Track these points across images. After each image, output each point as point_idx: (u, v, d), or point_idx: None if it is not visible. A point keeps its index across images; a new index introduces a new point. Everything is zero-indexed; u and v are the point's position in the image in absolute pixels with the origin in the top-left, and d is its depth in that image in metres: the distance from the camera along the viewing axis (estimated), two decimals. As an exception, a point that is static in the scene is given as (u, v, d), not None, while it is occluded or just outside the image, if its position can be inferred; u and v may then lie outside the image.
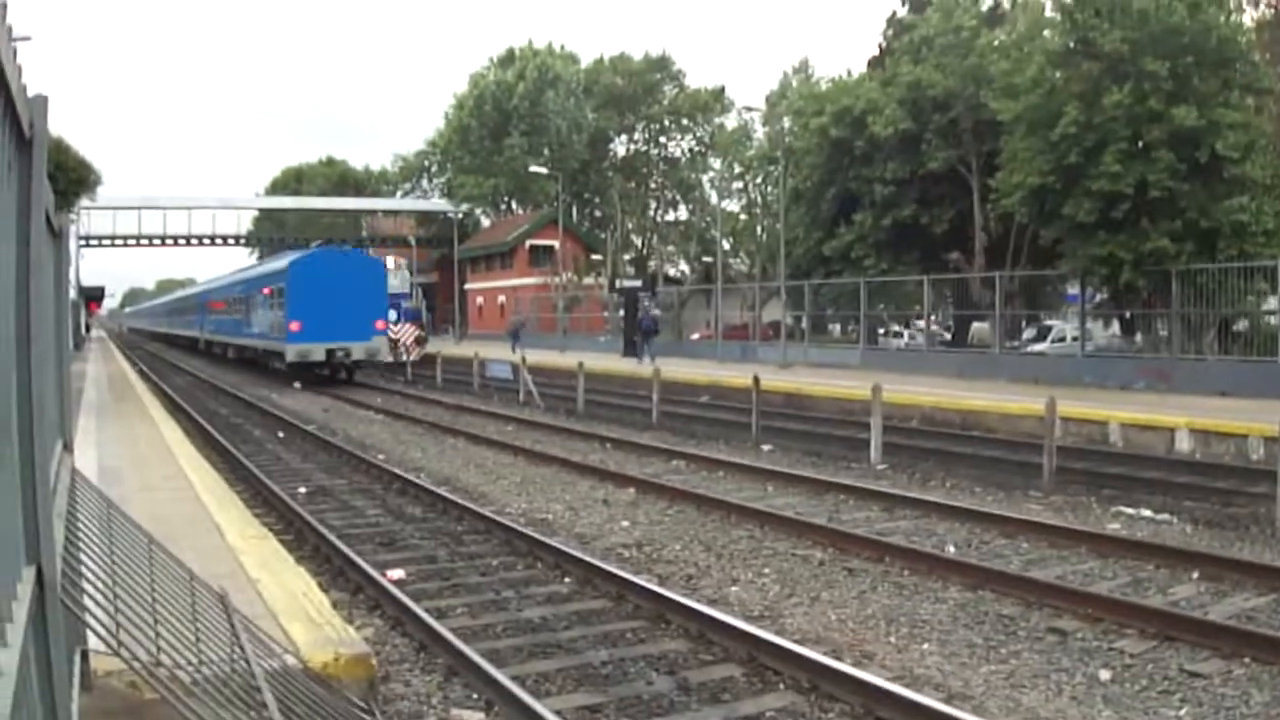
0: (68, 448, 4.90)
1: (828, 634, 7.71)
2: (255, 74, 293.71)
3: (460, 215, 71.26)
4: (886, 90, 34.79)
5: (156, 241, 71.39)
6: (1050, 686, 6.59)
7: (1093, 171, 23.08)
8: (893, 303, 38.70)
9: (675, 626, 7.74)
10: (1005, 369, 26.48)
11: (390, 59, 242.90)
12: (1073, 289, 30.20)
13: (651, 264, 66.67)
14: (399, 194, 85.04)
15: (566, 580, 9.20)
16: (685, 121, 75.96)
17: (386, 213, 79.73)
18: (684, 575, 9.49)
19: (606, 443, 18.76)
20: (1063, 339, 32.10)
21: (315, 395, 30.49)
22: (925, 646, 7.43)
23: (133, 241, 70.32)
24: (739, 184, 60.51)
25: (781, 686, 6.54)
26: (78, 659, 3.93)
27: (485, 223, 77.71)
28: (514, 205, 75.32)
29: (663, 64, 75.59)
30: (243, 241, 79.65)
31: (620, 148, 78.28)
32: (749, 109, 51.30)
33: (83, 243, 60.68)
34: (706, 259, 59.25)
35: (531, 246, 63.86)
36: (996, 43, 32.31)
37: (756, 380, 19.60)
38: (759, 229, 56.93)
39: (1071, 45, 24.53)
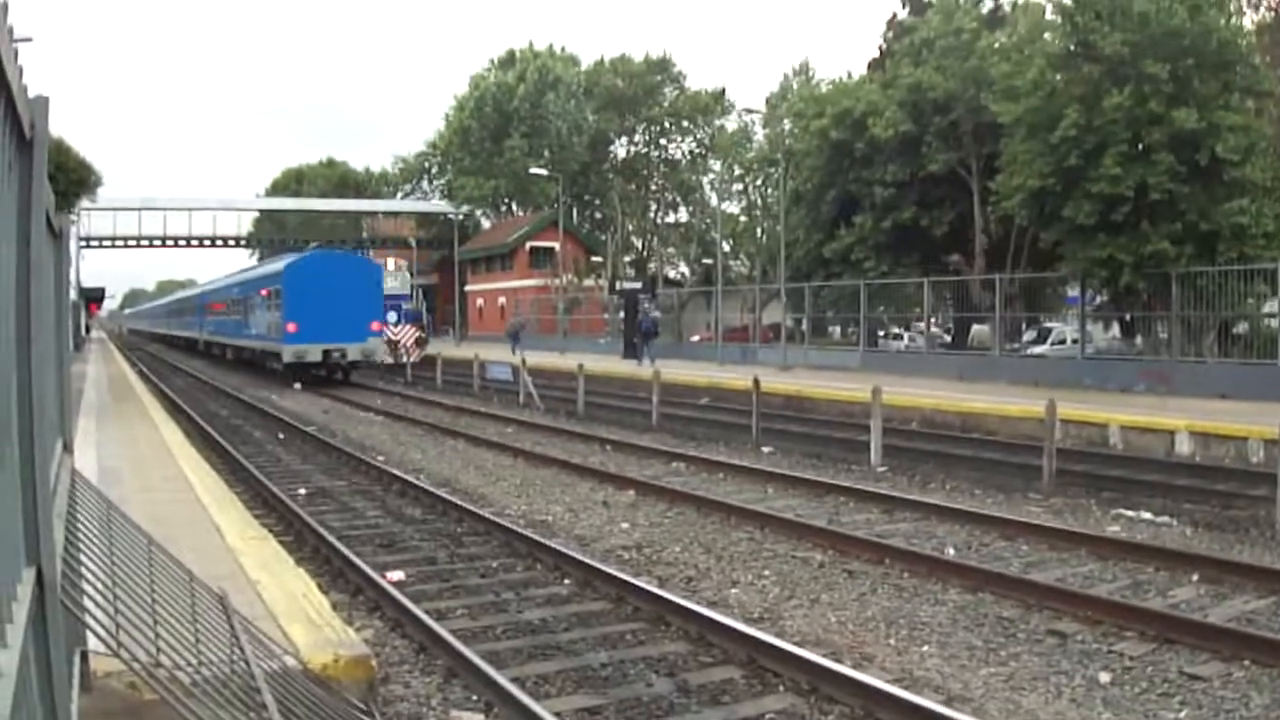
0: (68, 449, 4.90)
1: (827, 636, 7.71)
2: (255, 75, 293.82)
3: (460, 217, 71.26)
4: (887, 92, 34.82)
5: (157, 242, 71.37)
6: (1050, 689, 6.59)
7: (1093, 174, 23.09)
8: (893, 305, 38.67)
9: (675, 628, 7.74)
10: (1005, 371, 26.47)
11: (391, 60, 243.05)
12: (1073, 291, 30.21)
13: (652, 266, 66.68)
14: (399, 195, 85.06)
15: (566, 582, 9.19)
16: (686, 123, 75.96)
17: (387, 214, 79.72)
18: (684, 577, 9.49)
19: (606, 445, 18.76)
20: (1063, 341, 32.08)
21: (315, 397, 30.49)
22: (925, 649, 7.43)
23: (133, 242, 70.29)
24: (739, 186, 60.54)
25: (781, 688, 6.54)
26: (77, 660, 3.93)
27: (485, 224, 77.71)
28: (514, 207, 75.31)
29: (663, 66, 75.60)
30: (243, 243, 79.66)
31: (620, 149, 78.30)
32: (749, 111, 51.36)
33: (83, 244, 60.68)
34: (707, 261, 59.23)
35: (532, 248, 63.84)
36: (997, 45, 32.34)
37: (756, 382, 19.61)
38: (759, 231, 56.95)
39: (1072, 48, 24.55)
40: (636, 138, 77.38)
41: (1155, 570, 9.39)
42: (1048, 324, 34.59)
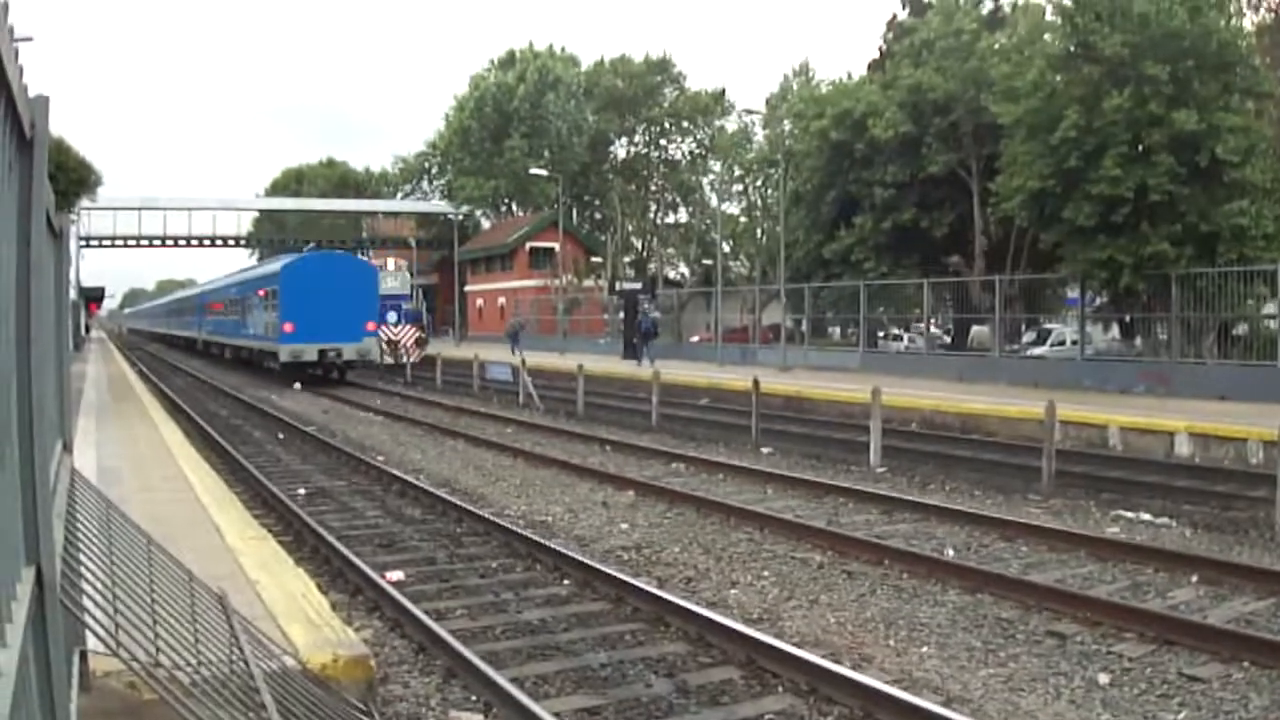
0: (67, 448, 4.90)
1: (826, 637, 7.71)
2: (256, 75, 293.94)
3: (460, 217, 71.26)
4: (887, 93, 34.84)
5: (157, 242, 71.39)
6: (1049, 690, 6.59)
7: (1093, 175, 23.11)
8: (892, 306, 38.68)
9: (674, 629, 7.74)
10: (1005, 372, 26.48)
11: (391, 60, 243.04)
12: (1072, 292, 30.22)
13: (651, 266, 66.70)
14: (399, 195, 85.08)
15: (566, 582, 9.19)
16: (685, 124, 76.00)
17: (387, 214, 79.73)
18: (683, 578, 9.49)
19: (606, 445, 18.76)
20: (1062, 342, 32.08)
21: (315, 397, 30.49)
22: (924, 649, 7.43)
23: (133, 242, 70.31)
24: (739, 187, 60.57)
25: (780, 689, 6.54)
26: (76, 659, 3.93)
27: (485, 225, 77.72)
28: (514, 207, 75.33)
29: (663, 66, 75.62)
30: (243, 243, 79.67)
31: (620, 150, 78.34)
32: (749, 111, 51.39)
33: (83, 243, 60.70)
34: (706, 261, 59.23)
35: (532, 248, 63.85)
36: (997, 46, 32.36)
37: (756, 383, 19.61)
38: (759, 232, 56.97)
39: (1072, 49, 24.56)
40: (636, 138, 77.43)
41: (1154, 571, 9.40)
42: (1047, 325, 34.60)
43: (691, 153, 76.41)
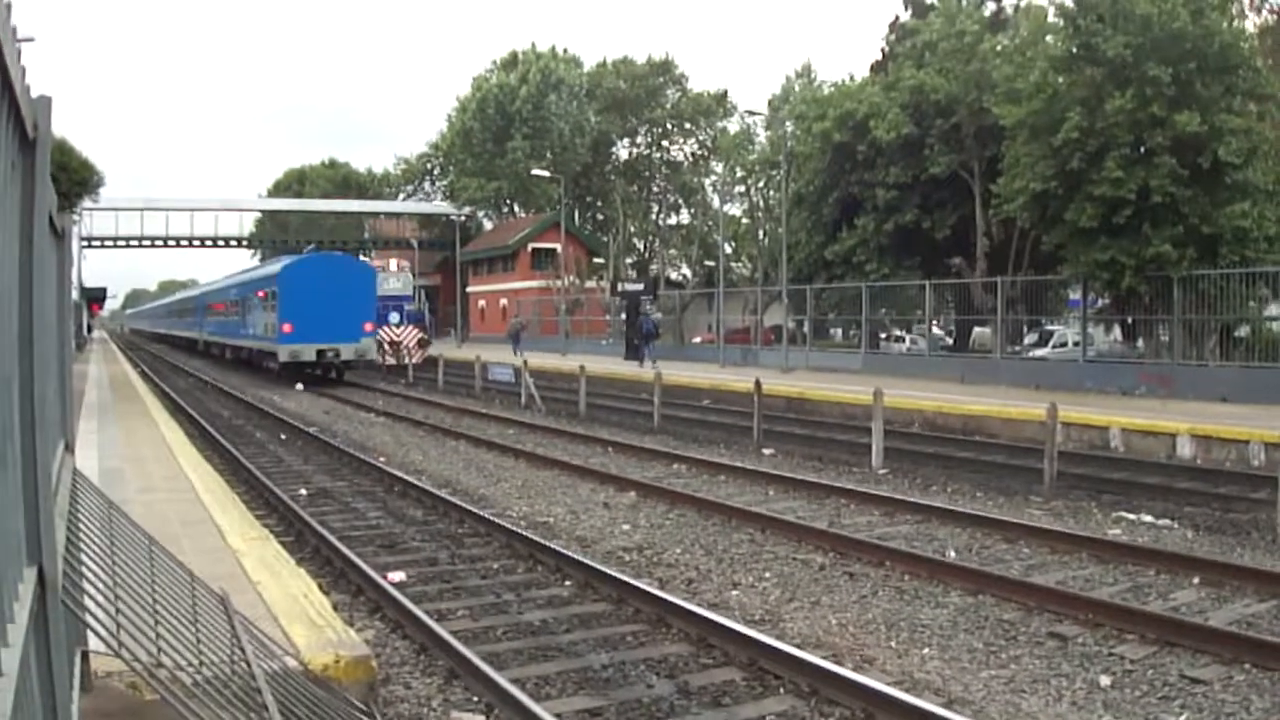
0: (69, 448, 4.91)
1: (828, 638, 7.70)
2: (258, 76, 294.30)
3: (462, 218, 71.31)
4: (889, 95, 34.82)
5: (159, 243, 71.56)
6: (1050, 692, 6.58)
7: (1095, 177, 23.11)
8: (894, 307, 38.67)
9: (676, 630, 7.74)
10: (1007, 374, 26.48)
11: (393, 62, 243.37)
12: (1074, 294, 30.18)
13: (653, 267, 66.70)
14: (401, 196, 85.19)
15: (567, 583, 9.19)
16: (688, 125, 76.14)
17: (389, 215, 79.92)
18: (685, 579, 9.49)
19: (608, 446, 18.75)
20: (1064, 344, 32.08)
21: (317, 397, 30.50)
22: (926, 651, 7.43)
23: (135, 243, 70.46)
24: (741, 188, 60.53)
25: (782, 691, 6.54)
26: (78, 660, 3.93)
27: (487, 226, 77.80)
28: (516, 208, 75.41)
29: (665, 68, 75.70)
30: (245, 243, 79.77)
31: (623, 151, 78.48)
32: (751, 113, 51.14)
33: (85, 244, 60.76)
34: (708, 263, 59.22)
35: (534, 250, 63.88)
36: (999, 48, 32.30)
37: (758, 384, 19.61)
38: (761, 233, 56.92)
39: (1074, 51, 24.54)
40: (639, 139, 77.55)
41: (1156, 573, 9.39)
42: (1049, 327, 34.57)
43: (693, 154, 76.53)
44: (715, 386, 27.14)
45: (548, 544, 10.24)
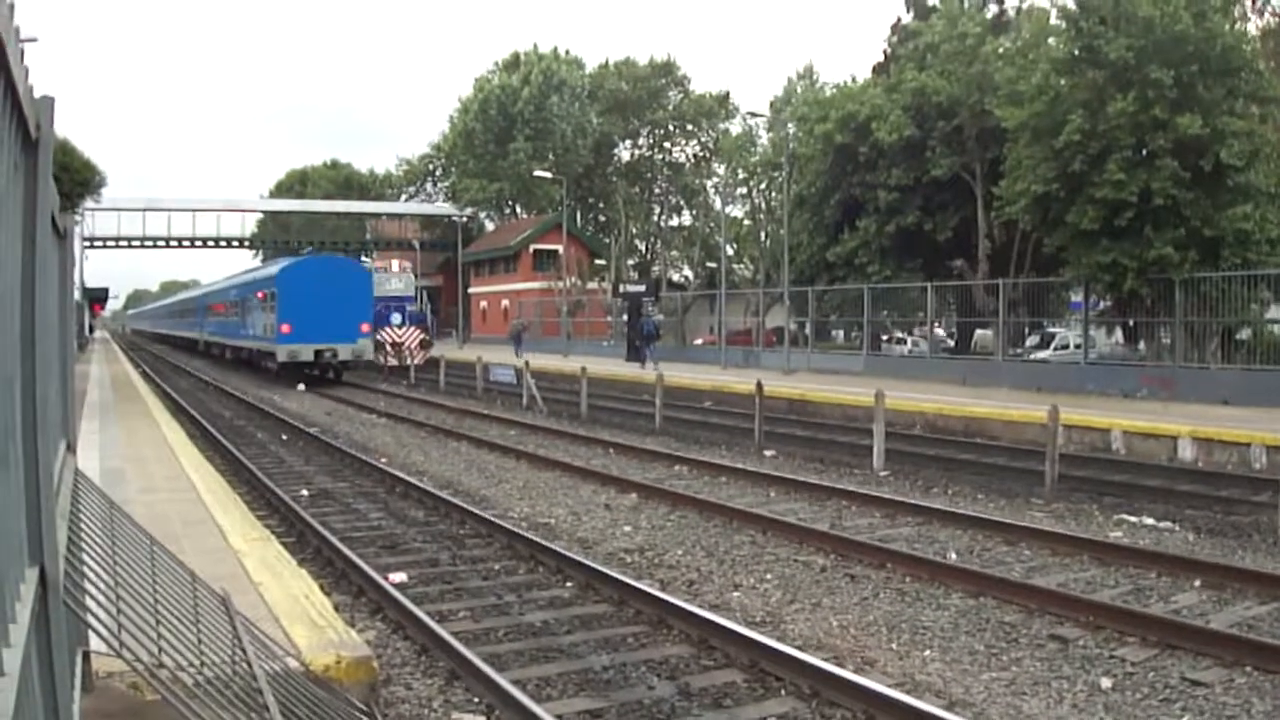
0: (71, 449, 4.91)
1: (829, 640, 7.70)
2: (260, 76, 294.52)
3: (464, 219, 71.33)
4: (891, 96, 34.81)
5: (160, 243, 71.59)
6: (1051, 694, 6.58)
7: (1097, 179, 23.10)
8: (896, 309, 38.69)
9: (677, 632, 7.74)
10: (1008, 376, 26.47)
11: (395, 63, 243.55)
12: (1076, 296, 30.17)
13: (655, 269, 66.72)
14: (403, 197, 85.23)
15: (568, 585, 9.19)
16: (690, 127, 76.15)
17: (391, 216, 79.89)
18: (686, 580, 9.49)
19: (609, 447, 18.75)
20: (1066, 346, 32.06)
21: (318, 398, 30.51)
22: (927, 653, 7.42)
23: (137, 243, 70.48)
24: (743, 189, 60.55)
25: (783, 692, 6.53)
26: (79, 660, 3.93)
27: (489, 227, 77.81)
28: (518, 209, 75.45)
29: (668, 69, 75.72)
30: (247, 244, 79.80)
31: (625, 152, 78.50)
32: (753, 114, 51.05)
33: (87, 244, 60.80)
34: (710, 264, 59.27)
35: (535, 251, 63.92)
36: (1001, 50, 32.31)
37: (759, 386, 19.61)
38: (763, 235, 56.95)
39: (1076, 53, 24.53)
40: (641, 141, 77.57)
41: (1157, 576, 9.38)
42: (1051, 329, 34.58)
43: (695, 155, 76.55)
44: (717, 388, 27.14)
45: (549, 545, 10.24)
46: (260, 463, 16.43)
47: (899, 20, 44.08)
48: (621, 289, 47.10)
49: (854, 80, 43.33)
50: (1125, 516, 12.31)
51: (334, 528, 11.33)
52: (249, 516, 9.87)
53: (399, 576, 9.27)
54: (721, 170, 65.18)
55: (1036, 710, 6.32)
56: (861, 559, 10.06)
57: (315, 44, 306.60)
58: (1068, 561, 10.03)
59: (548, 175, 61.14)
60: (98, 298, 59.70)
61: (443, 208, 77.14)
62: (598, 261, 61.39)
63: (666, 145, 77.21)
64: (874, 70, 43.79)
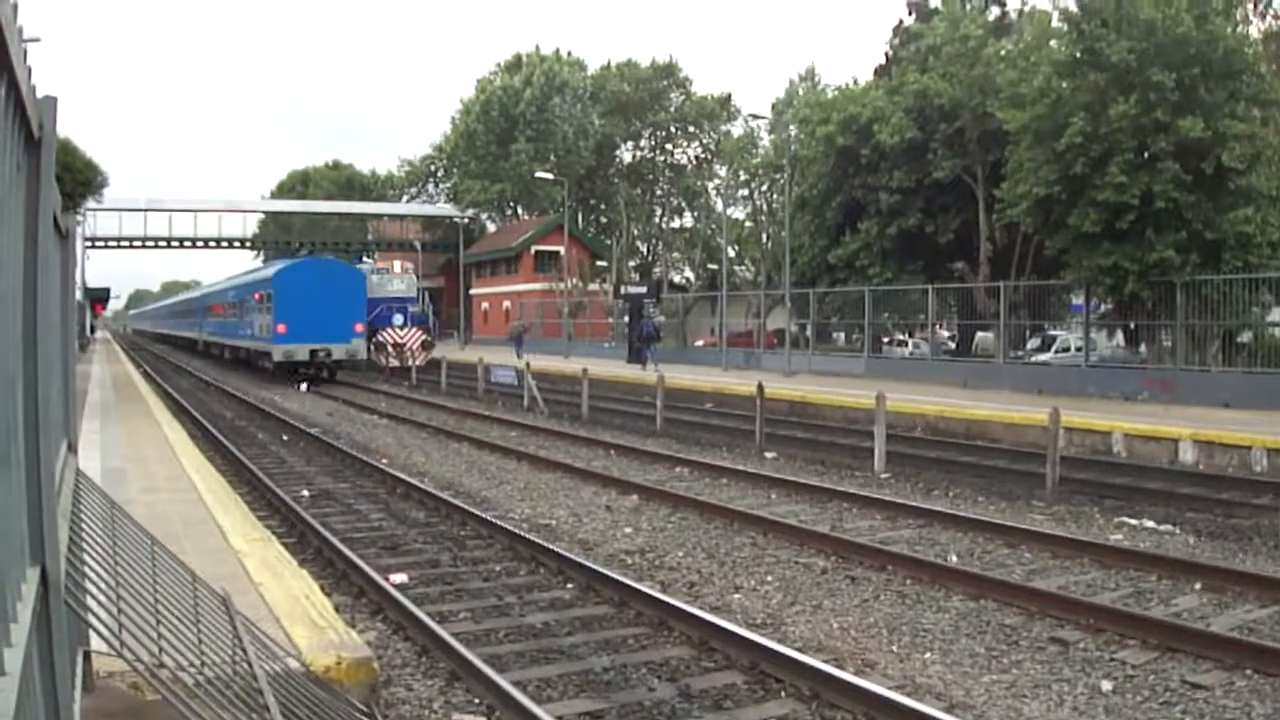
0: (72, 449, 4.91)
1: (830, 642, 7.70)
2: (262, 77, 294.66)
3: (466, 220, 71.35)
4: (893, 99, 34.81)
5: (162, 244, 71.64)
6: (1052, 697, 6.58)
7: (1098, 182, 23.09)
8: (897, 311, 38.69)
9: (677, 633, 7.74)
10: (1009, 379, 26.46)
11: (397, 64, 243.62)
12: (1077, 299, 30.17)
13: (656, 270, 66.72)
14: (405, 199, 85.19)
15: (569, 586, 9.19)
16: (691, 128, 76.12)
17: (392, 217, 79.96)
18: (686, 582, 9.49)
19: (610, 449, 18.75)
20: (1067, 349, 32.07)
21: (319, 399, 30.53)
22: (927, 655, 7.42)
23: (138, 243, 70.54)
24: (744, 191, 60.52)
25: (784, 694, 6.53)
26: (80, 659, 3.93)
27: (491, 228, 77.81)
28: (520, 211, 75.44)
29: (669, 71, 75.70)
30: (248, 244, 79.82)
31: (626, 154, 78.49)
32: (755, 116, 51.00)
33: (89, 244, 60.82)
34: (711, 266, 59.22)
35: (537, 252, 63.94)
36: (1003, 52, 32.30)
37: (760, 388, 19.61)
38: (764, 237, 56.92)
39: (1078, 56, 24.52)
40: (642, 142, 77.56)
41: (1158, 579, 9.38)
42: (1052, 331, 34.59)
43: (697, 157, 76.52)
44: (718, 390, 27.14)
45: (550, 546, 10.24)
46: (261, 463, 16.44)
47: (900, 22, 44.11)
48: (623, 290, 47.16)
49: (856, 82, 43.31)
50: (1126, 519, 12.31)
51: (335, 528, 11.33)
52: (250, 517, 9.87)
53: (400, 577, 9.27)
54: (723, 172, 65.20)
55: (1037, 713, 6.32)
56: (862, 561, 10.06)
57: (315, 44, 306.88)
58: (1068, 564, 10.03)
59: (549, 176, 61.14)
60: (99, 298, 59.72)
61: (444, 209, 77.13)
62: (599, 263, 61.40)
63: (668, 147, 77.21)
64: (876, 72, 43.79)
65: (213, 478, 12.18)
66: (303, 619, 6.14)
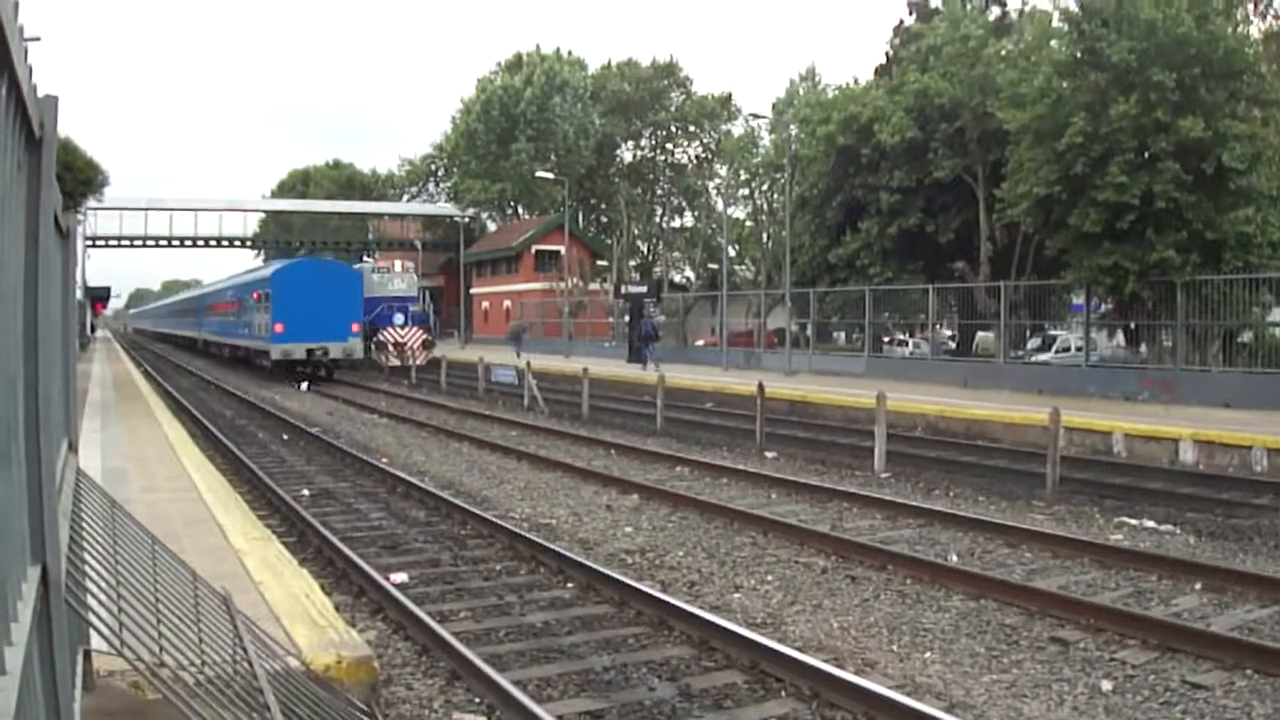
0: (73, 448, 4.91)
1: (830, 642, 7.70)
2: (263, 76, 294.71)
3: (466, 220, 71.32)
4: (893, 98, 34.80)
5: (162, 243, 71.64)
6: (1052, 697, 6.58)
7: (1099, 182, 23.08)
8: (898, 311, 38.67)
9: (678, 633, 7.74)
10: (1010, 378, 26.46)
11: (398, 63, 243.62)
12: (1078, 299, 30.17)
13: (657, 270, 66.69)
14: (405, 198, 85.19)
15: (569, 586, 9.19)
16: (692, 128, 76.12)
17: (393, 216, 79.96)
18: (687, 582, 9.49)
19: (610, 448, 18.75)
20: (1067, 349, 32.06)
21: (320, 398, 30.53)
22: (927, 655, 7.42)
23: (139, 242, 70.53)
24: (745, 191, 60.51)
25: (784, 694, 6.53)
26: (80, 658, 3.94)
27: (491, 227, 77.81)
28: (520, 210, 75.43)
29: (670, 70, 75.70)
30: (248, 244, 79.82)
31: (627, 154, 78.49)
32: (756, 116, 50.95)
33: (89, 243, 60.82)
34: (712, 266, 59.22)
35: (538, 252, 63.93)
36: (1004, 52, 32.28)
37: (761, 387, 19.61)
38: (765, 236, 56.92)
39: (1079, 55, 24.51)
40: (643, 142, 77.56)
41: (1158, 579, 9.38)
42: (1052, 331, 34.57)
43: (698, 157, 76.52)
44: (718, 389, 27.14)
45: (550, 546, 10.24)
46: (261, 462, 16.44)
47: (901, 22, 44.12)
48: (623, 290, 47.12)
49: (856, 82, 43.30)
50: (1126, 519, 12.31)
51: (335, 528, 11.33)
52: (250, 516, 9.87)
53: (400, 577, 9.28)
54: (724, 171, 65.20)
55: (1037, 713, 6.32)
56: (862, 561, 10.06)
57: (316, 44, 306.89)
58: (1069, 564, 10.03)
59: (550, 176, 61.14)
60: (100, 297, 59.76)
61: (445, 208, 77.12)
62: (599, 262, 61.39)
63: (669, 146, 77.22)
64: (876, 72, 43.78)
65: (213, 477, 12.18)
66: (303, 618, 6.15)
